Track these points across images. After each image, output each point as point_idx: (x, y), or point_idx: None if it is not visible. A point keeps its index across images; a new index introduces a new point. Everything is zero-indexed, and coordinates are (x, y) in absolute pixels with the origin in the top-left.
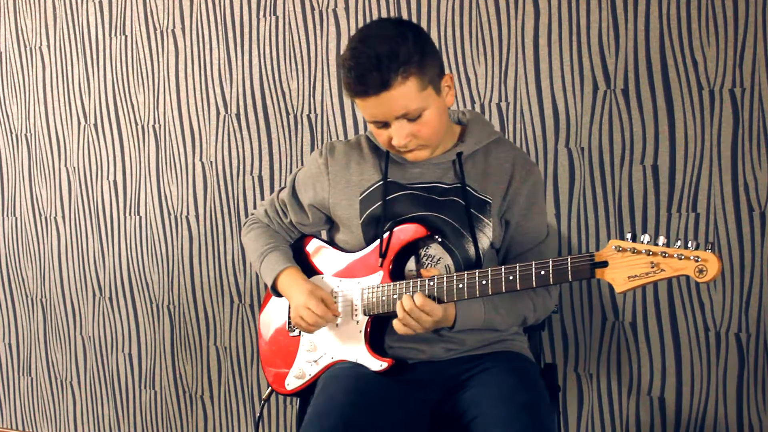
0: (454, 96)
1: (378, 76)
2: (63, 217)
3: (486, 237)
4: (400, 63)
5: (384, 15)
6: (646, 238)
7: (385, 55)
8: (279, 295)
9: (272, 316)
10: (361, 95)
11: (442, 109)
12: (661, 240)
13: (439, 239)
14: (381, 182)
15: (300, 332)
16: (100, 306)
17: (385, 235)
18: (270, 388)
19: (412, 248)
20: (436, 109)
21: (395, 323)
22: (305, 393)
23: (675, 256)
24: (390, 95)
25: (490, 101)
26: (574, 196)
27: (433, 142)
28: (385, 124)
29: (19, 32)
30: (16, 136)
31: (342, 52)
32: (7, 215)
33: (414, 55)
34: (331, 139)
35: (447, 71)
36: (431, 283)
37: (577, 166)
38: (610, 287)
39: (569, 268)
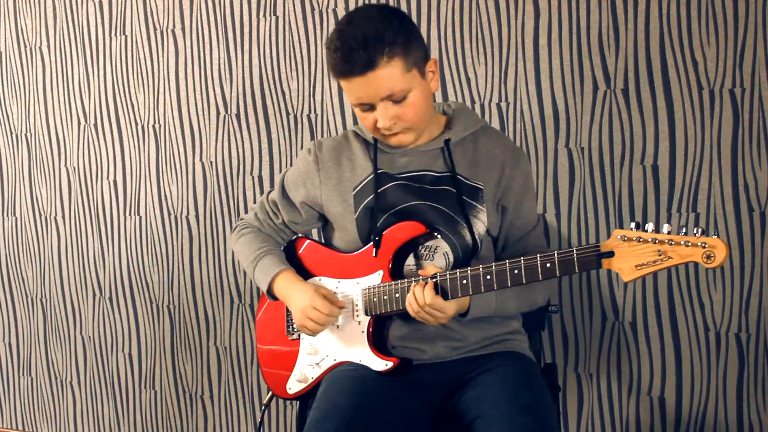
0: (438, 82)
1: (364, 55)
2: (63, 217)
3: (481, 223)
4: (385, 43)
5: None
6: (650, 226)
7: (372, 35)
8: (275, 298)
9: (269, 321)
10: (348, 75)
11: (426, 93)
12: (666, 228)
13: (438, 236)
14: (372, 175)
15: (300, 335)
16: (100, 306)
17: (381, 230)
18: (270, 392)
19: (410, 245)
20: (421, 92)
21: (410, 310)
22: (307, 396)
23: (682, 243)
24: (375, 75)
25: (490, 101)
26: (574, 196)
27: (417, 126)
28: (371, 107)
29: (19, 32)
30: (16, 136)
31: (329, 35)
32: (7, 215)
33: (398, 36)
34: None
35: (433, 57)
36: (434, 280)
37: (577, 166)
38: (610, 286)
39: (575, 259)
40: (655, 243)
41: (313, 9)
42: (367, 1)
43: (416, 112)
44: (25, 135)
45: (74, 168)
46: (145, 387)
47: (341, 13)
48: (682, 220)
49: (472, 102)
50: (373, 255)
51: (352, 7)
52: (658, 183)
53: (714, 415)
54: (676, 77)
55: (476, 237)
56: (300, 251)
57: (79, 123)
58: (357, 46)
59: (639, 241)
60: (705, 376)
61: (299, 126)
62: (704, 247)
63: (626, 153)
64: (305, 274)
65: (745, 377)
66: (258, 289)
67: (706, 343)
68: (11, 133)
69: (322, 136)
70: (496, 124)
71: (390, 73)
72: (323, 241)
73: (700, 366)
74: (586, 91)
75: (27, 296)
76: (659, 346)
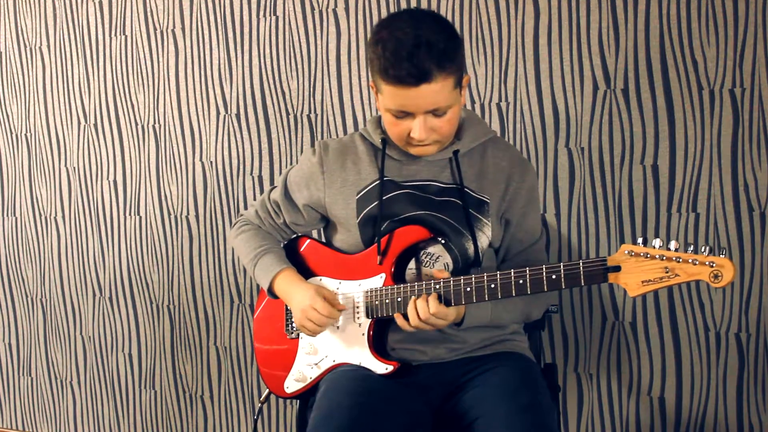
0: (465, 96)
1: (423, 67)
2: (63, 217)
3: (485, 236)
4: (445, 58)
5: (384, 15)
6: (657, 242)
7: (433, 47)
8: (276, 297)
9: (268, 319)
10: (399, 83)
11: (460, 108)
12: (673, 244)
13: (443, 241)
14: (378, 181)
15: (298, 335)
16: (100, 306)
17: (385, 236)
18: (268, 390)
19: (413, 250)
20: (458, 108)
21: (402, 324)
22: (305, 396)
23: (690, 261)
24: (429, 88)
25: (490, 101)
26: (574, 196)
27: (447, 140)
28: (407, 115)
29: (19, 32)
30: (16, 136)
31: (379, 33)
32: (7, 215)
33: (456, 52)
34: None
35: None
36: (437, 286)
37: (577, 166)
38: (611, 288)
39: (582, 272)
40: (662, 260)
41: (313, 9)
42: (368, 4)
43: (451, 128)
44: (25, 135)
45: (74, 168)
46: (145, 387)
47: (341, 14)
48: (682, 220)
49: (472, 102)
50: (377, 257)
51: (352, 7)
52: (658, 183)
53: (714, 415)
54: (676, 77)
55: (479, 250)
56: (301, 249)
57: (79, 123)
58: (417, 57)
59: (646, 257)
60: (705, 376)
61: (299, 126)
62: (712, 267)
63: (626, 153)
64: (306, 273)
65: (745, 377)
66: (257, 287)
67: (706, 343)
68: (11, 133)
69: (322, 136)
70: (496, 124)
71: (441, 88)
72: (324, 240)
73: (700, 366)
74: (586, 91)
75: (27, 296)
76: (659, 346)
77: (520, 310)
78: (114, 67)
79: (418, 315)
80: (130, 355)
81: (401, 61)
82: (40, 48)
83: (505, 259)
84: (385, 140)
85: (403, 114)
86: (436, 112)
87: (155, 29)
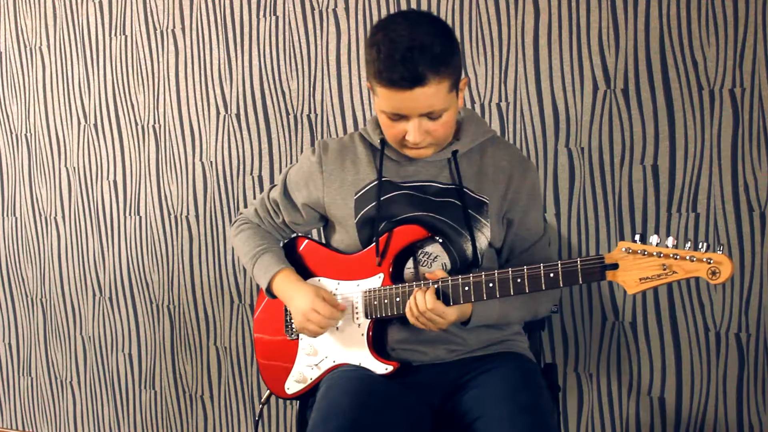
0: (463, 99)
1: (416, 70)
2: (63, 217)
3: (484, 237)
4: (440, 62)
5: (384, 15)
6: (655, 239)
7: (427, 50)
8: (274, 296)
9: (267, 319)
10: (393, 86)
11: (456, 111)
12: (671, 241)
13: (440, 240)
14: (376, 182)
15: (298, 335)
16: (100, 306)
17: (383, 236)
18: (269, 391)
19: (411, 249)
20: (454, 111)
21: (410, 315)
22: (305, 396)
23: (687, 258)
24: (423, 92)
25: (490, 101)
26: (574, 196)
27: (443, 143)
28: (402, 117)
29: (19, 32)
30: (16, 136)
31: (374, 35)
32: (7, 215)
33: (452, 56)
34: None
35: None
36: (435, 286)
37: (577, 166)
38: (611, 287)
39: (579, 270)
40: (659, 257)
41: (313, 9)
42: (368, 4)
43: (447, 131)
44: (25, 135)
45: (74, 168)
46: (145, 387)
47: (341, 14)
48: (682, 220)
49: (472, 102)
50: (375, 257)
51: (352, 7)
52: (658, 183)
53: (714, 415)
54: (676, 77)
55: (477, 251)
56: (300, 250)
57: (79, 123)
58: (411, 60)
59: (644, 255)
60: (705, 376)
61: (299, 126)
62: (709, 263)
63: (626, 153)
64: (305, 273)
65: (745, 377)
66: (257, 287)
67: (706, 343)
68: (11, 133)
69: (322, 136)
70: (496, 124)
71: (436, 92)
72: (323, 240)
73: (700, 366)
74: (586, 91)
75: (27, 296)
76: (659, 346)
77: (528, 308)
78: (114, 67)
79: (417, 307)
80: (130, 355)
81: (395, 64)
82: (40, 48)
83: (510, 258)
84: (384, 141)
85: (398, 116)
86: (431, 116)
87: (155, 29)
